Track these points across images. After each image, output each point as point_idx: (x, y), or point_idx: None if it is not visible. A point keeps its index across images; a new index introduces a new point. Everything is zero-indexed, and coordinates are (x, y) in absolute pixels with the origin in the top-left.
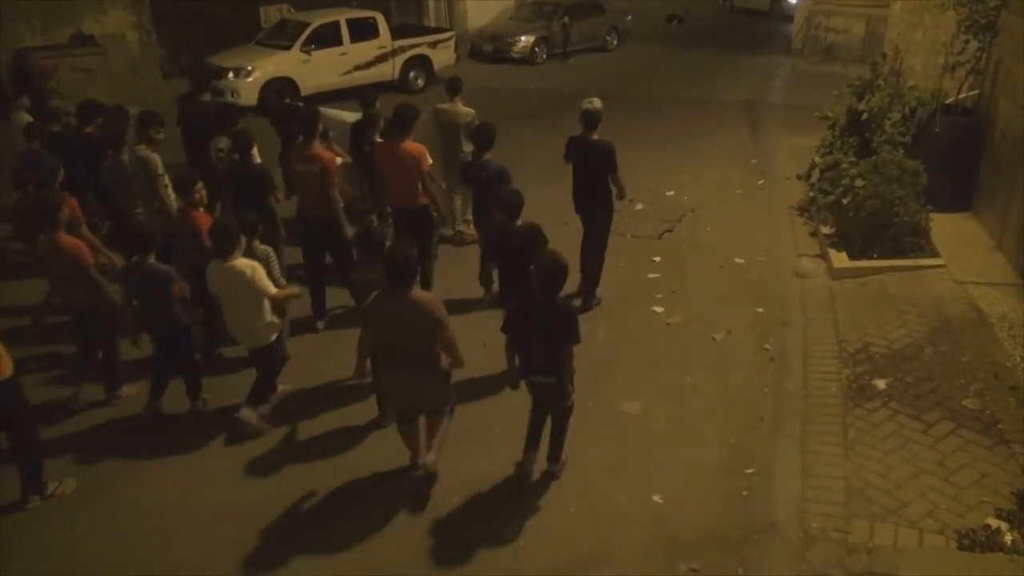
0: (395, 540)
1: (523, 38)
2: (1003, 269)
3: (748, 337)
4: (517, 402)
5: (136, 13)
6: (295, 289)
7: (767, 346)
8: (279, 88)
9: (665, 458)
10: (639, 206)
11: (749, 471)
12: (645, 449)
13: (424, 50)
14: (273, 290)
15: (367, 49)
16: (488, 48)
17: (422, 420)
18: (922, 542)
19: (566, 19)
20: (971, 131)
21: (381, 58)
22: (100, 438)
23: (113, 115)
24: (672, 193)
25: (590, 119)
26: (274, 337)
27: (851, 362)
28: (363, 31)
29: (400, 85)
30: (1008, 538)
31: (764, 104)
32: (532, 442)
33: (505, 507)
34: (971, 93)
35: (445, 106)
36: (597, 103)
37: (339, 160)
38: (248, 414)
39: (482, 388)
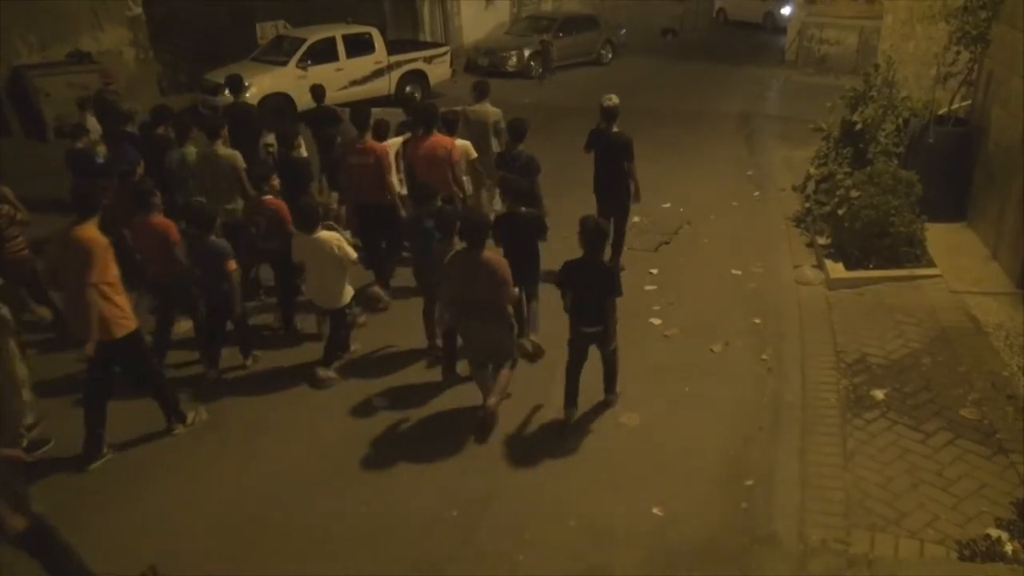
0: (394, 551)
1: (518, 52)
2: (999, 278)
3: (746, 348)
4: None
5: (133, 30)
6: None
7: (765, 357)
8: (275, 104)
9: (664, 470)
10: (635, 219)
11: (748, 482)
12: (644, 461)
13: (420, 65)
14: (354, 255)
15: (363, 64)
16: (483, 62)
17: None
18: (923, 552)
19: (546, 37)
20: (964, 141)
21: (377, 73)
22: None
23: (181, 117)
24: (668, 205)
25: (609, 114)
26: (348, 300)
27: (849, 372)
28: (359, 47)
29: (396, 100)
30: (1008, 548)
31: (759, 116)
32: (572, 398)
33: (505, 521)
34: (964, 104)
35: (475, 107)
36: (615, 99)
37: (393, 149)
38: (323, 372)
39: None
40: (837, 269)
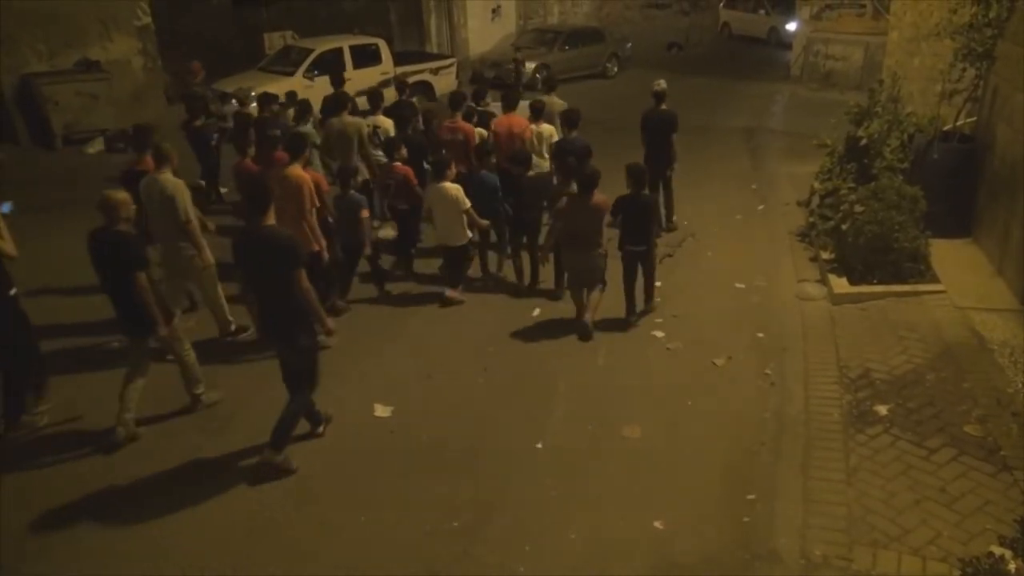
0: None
1: (525, 64)
2: (1004, 295)
3: (749, 362)
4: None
5: (142, 40)
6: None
7: (768, 371)
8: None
9: (666, 483)
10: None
11: (750, 497)
12: (646, 474)
13: (426, 76)
14: (468, 204)
15: (370, 75)
16: (489, 74)
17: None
18: (925, 570)
19: (518, 55)
20: (969, 157)
21: (384, 84)
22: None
23: (301, 102)
24: (673, 218)
25: (659, 96)
26: (465, 241)
27: (852, 387)
28: (366, 57)
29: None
30: (1012, 566)
31: (764, 131)
32: (631, 306)
33: (505, 533)
34: (969, 120)
35: (544, 98)
36: (663, 84)
37: (478, 133)
38: (451, 293)
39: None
40: (841, 284)
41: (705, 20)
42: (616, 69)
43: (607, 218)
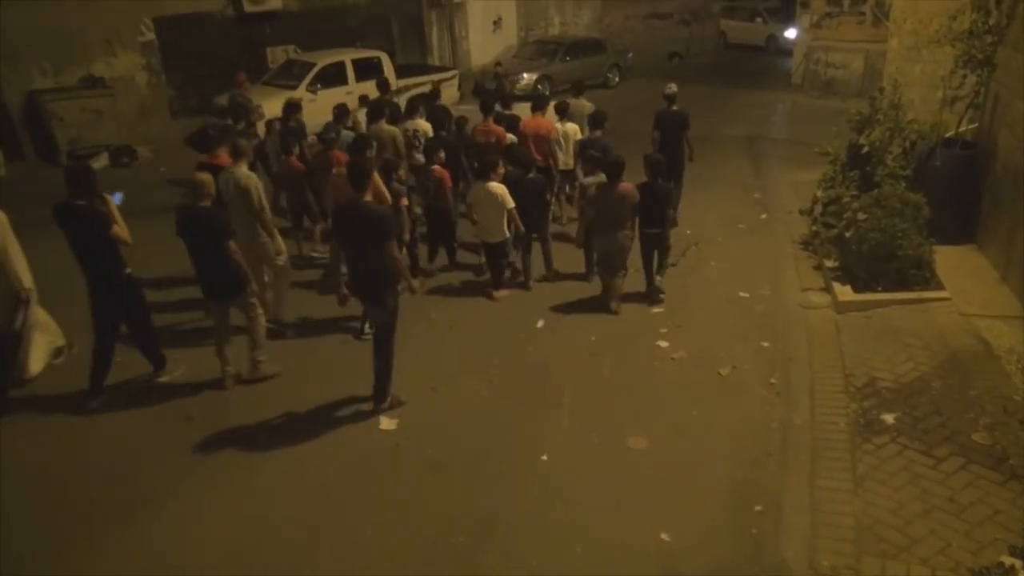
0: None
1: (525, 76)
2: (1009, 301)
3: (754, 371)
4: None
5: (146, 55)
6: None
7: (773, 380)
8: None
9: (672, 494)
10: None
11: (757, 508)
12: (652, 485)
13: (428, 88)
14: (512, 203)
15: (372, 88)
16: (491, 86)
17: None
18: None
19: (499, 68)
20: (972, 164)
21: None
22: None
23: (340, 107)
24: (675, 227)
25: (671, 98)
26: (504, 238)
27: (858, 396)
28: (368, 70)
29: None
30: None
31: (765, 139)
32: (650, 273)
33: (511, 546)
34: (971, 127)
35: (572, 100)
36: (674, 88)
37: (509, 137)
38: (498, 294)
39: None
40: (845, 292)
41: (706, 30)
42: (617, 79)
43: (635, 202)
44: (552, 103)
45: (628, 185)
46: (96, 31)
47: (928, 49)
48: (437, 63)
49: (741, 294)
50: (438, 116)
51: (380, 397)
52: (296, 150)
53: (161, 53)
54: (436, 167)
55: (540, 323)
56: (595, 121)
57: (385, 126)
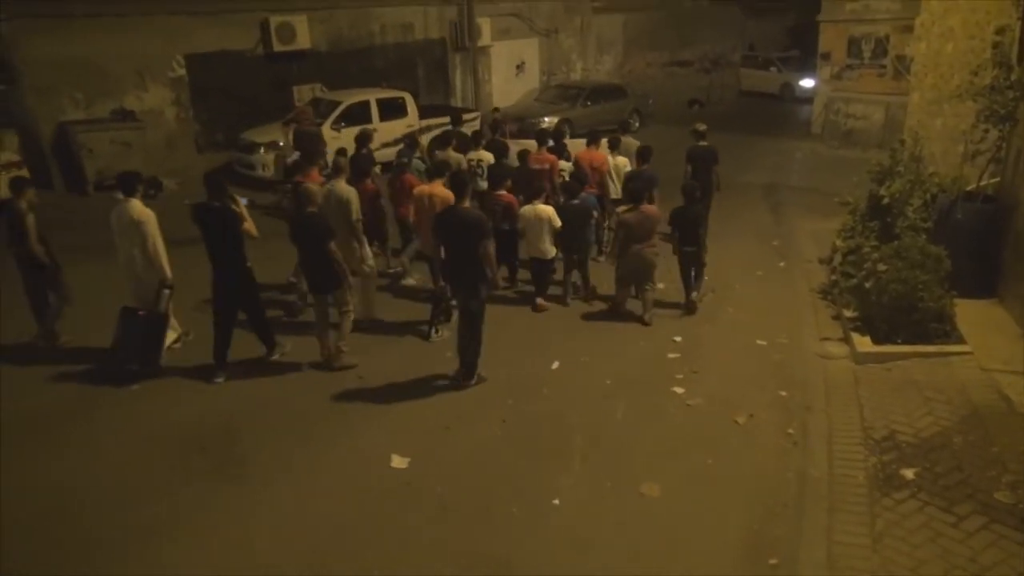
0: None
1: (547, 119)
2: None
3: (771, 421)
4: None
5: (176, 90)
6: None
7: (790, 431)
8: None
9: (686, 543)
10: (660, 285)
11: (772, 561)
12: (665, 534)
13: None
14: (559, 223)
15: (395, 127)
16: (513, 128)
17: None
18: None
19: (496, 113)
20: (993, 218)
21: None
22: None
23: (409, 137)
24: (693, 272)
25: (700, 134)
26: (552, 255)
27: (877, 449)
28: (392, 110)
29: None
30: None
31: (784, 187)
32: (688, 287)
33: None
34: (992, 181)
35: (622, 137)
36: (703, 126)
37: (563, 164)
38: (541, 302)
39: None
40: (864, 343)
41: (726, 78)
42: (638, 124)
43: (660, 223)
44: (604, 139)
45: (653, 208)
46: (129, 65)
47: (949, 103)
48: (460, 104)
49: (759, 342)
50: (498, 147)
51: (469, 374)
52: (370, 175)
53: (190, 88)
54: (504, 192)
55: (555, 364)
56: (642, 155)
57: (452, 153)
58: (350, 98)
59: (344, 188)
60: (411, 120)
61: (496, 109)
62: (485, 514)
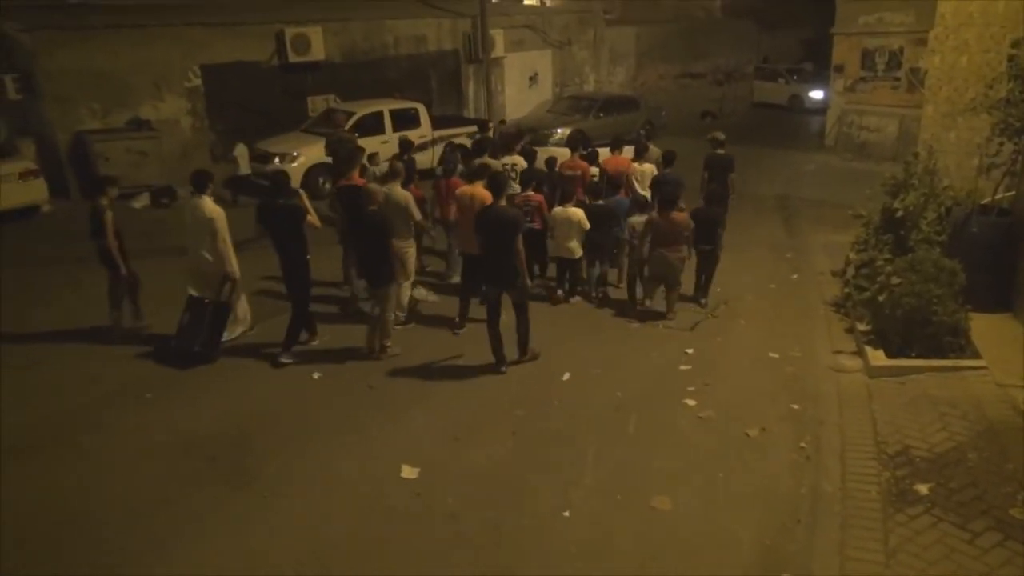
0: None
1: (560, 130)
2: None
3: (783, 434)
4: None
5: (191, 100)
6: None
7: (803, 444)
8: (319, 173)
9: (697, 558)
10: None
11: None
12: (676, 548)
13: (463, 140)
14: (588, 225)
15: (408, 138)
16: (525, 139)
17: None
18: None
19: (501, 124)
20: (1009, 232)
21: (422, 147)
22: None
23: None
24: (704, 276)
25: (716, 143)
26: (579, 256)
27: (891, 464)
28: (405, 121)
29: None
30: None
31: (797, 199)
32: (700, 288)
33: None
34: (1007, 194)
35: (650, 145)
36: (721, 135)
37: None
38: (560, 293)
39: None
40: (878, 356)
41: (739, 90)
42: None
43: (688, 229)
44: (629, 146)
45: (682, 214)
46: (146, 76)
47: (964, 116)
48: (472, 115)
49: (771, 354)
50: (529, 153)
51: (523, 351)
52: (414, 180)
53: (206, 99)
54: (532, 193)
55: (566, 376)
56: (667, 160)
57: (488, 159)
58: (364, 109)
59: (400, 192)
60: (424, 131)
61: (503, 121)
62: (495, 525)
